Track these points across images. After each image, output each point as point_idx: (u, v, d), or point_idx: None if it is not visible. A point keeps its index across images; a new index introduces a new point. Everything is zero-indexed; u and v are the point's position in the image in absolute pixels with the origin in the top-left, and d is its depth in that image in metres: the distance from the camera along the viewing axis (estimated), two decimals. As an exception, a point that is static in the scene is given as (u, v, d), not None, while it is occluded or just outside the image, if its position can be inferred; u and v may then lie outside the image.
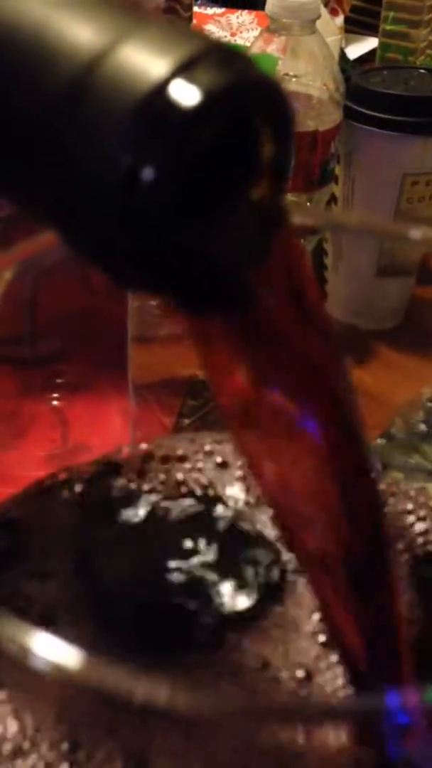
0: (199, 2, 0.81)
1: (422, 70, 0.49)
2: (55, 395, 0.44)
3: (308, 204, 0.45)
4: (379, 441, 0.32)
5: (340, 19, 0.86)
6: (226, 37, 0.77)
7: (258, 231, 0.10)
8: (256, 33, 0.80)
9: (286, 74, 0.47)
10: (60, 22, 0.09)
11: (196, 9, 0.74)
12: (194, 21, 0.61)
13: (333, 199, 0.49)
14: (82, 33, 0.08)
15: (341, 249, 0.26)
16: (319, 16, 0.45)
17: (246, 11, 0.79)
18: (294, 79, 0.47)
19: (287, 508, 0.12)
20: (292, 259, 0.11)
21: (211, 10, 0.78)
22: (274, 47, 0.49)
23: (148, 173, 0.09)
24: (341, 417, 0.11)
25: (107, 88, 0.09)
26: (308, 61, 0.48)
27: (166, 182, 0.09)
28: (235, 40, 0.78)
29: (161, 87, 0.09)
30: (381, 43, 0.75)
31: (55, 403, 0.44)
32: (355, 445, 0.11)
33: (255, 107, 0.10)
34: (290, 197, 0.46)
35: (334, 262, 0.34)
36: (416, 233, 0.17)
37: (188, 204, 0.09)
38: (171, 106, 0.09)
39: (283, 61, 0.48)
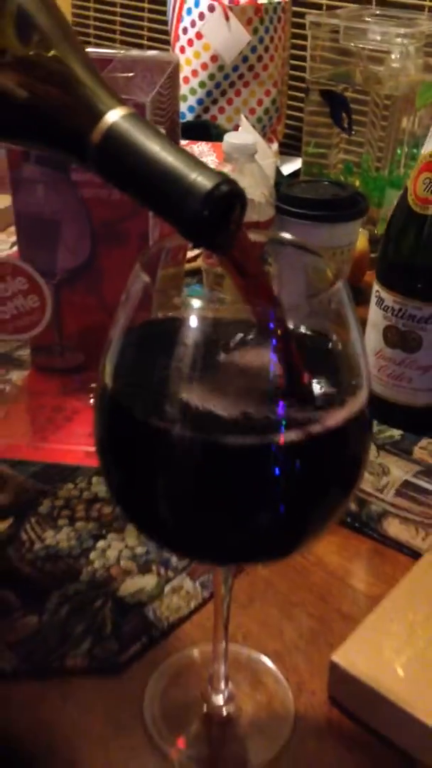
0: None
1: (326, 182, 0.73)
2: (91, 395, 0.64)
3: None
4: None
5: (275, 146, 1.12)
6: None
7: (233, 231, 0.30)
8: (212, 157, 1.05)
9: (237, 187, 0.70)
10: (179, 160, 0.28)
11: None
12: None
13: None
14: (187, 167, 0.28)
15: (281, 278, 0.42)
16: (255, 152, 0.69)
17: (204, 142, 1.03)
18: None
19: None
20: (244, 241, 0.30)
21: (177, 141, 1.02)
22: (227, 169, 0.72)
23: (207, 213, 0.28)
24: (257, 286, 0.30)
25: (196, 188, 0.28)
26: (251, 178, 0.71)
27: (212, 214, 0.28)
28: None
29: (213, 188, 0.28)
30: (305, 162, 0.99)
31: (92, 401, 0.63)
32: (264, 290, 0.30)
33: (236, 196, 0.30)
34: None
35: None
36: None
37: (217, 219, 0.29)
38: (214, 194, 0.28)
39: (234, 178, 0.71)
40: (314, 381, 0.28)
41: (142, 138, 0.27)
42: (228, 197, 0.27)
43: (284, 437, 0.26)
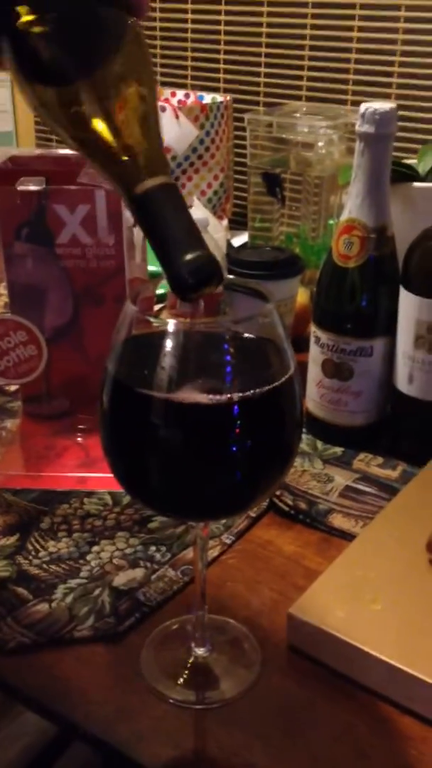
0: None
1: (268, 248, 0.86)
2: (80, 435, 0.74)
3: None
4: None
5: (225, 222, 1.27)
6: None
7: (203, 294, 0.41)
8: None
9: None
10: (185, 236, 0.36)
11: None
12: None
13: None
14: (189, 243, 0.36)
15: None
16: (207, 225, 0.82)
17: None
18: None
19: None
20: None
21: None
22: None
23: (191, 282, 0.38)
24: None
25: (189, 263, 0.37)
26: (205, 247, 0.84)
27: (195, 282, 0.39)
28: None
29: (200, 267, 0.37)
30: (251, 235, 1.14)
31: (79, 439, 0.74)
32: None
33: (215, 275, 0.39)
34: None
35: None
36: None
37: (197, 286, 0.39)
38: (199, 272, 0.36)
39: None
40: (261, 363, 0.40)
41: (167, 207, 0.36)
42: (209, 275, 0.37)
43: (236, 397, 0.38)
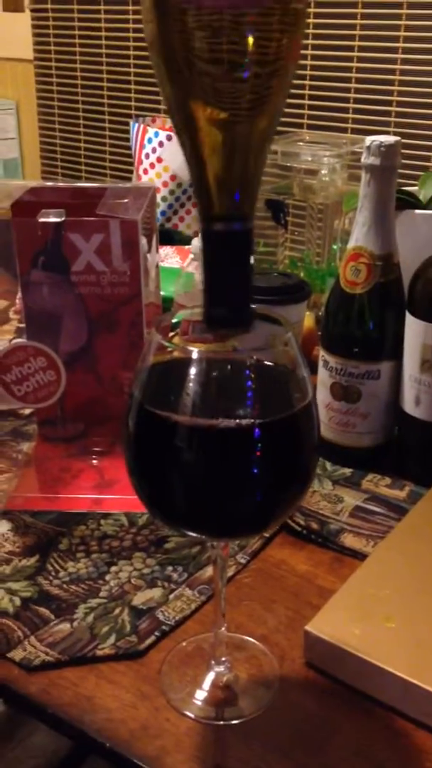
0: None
1: (275, 274, 0.88)
2: (95, 457, 0.76)
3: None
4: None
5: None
6: (161, 261, 1.17)
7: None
8: (176, 259, 1.21)
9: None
10: (226, 287, 0.39)
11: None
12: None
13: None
14: (234, 293, 0.40)
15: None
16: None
17: (168, 246, 1.20)
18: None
19: None
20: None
21: (145, 247, 1.19)
22: (191, 269, 0.88)
23: (218, 327, 0.41)
24: None
25: (225, 313, 0.40)
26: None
27: (224, 328, 0.42)
28: (164, 262, 1.19)
29: (234, 314, 0.40)
30: (256, 259, 1.16)
31: (94, 461, 0.76)
32: None
33: (244, 322, 0.41)
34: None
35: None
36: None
37: (225, 328, 0.42)
38: (232, 320, 0.41)
39: (197, 275, 0.86)
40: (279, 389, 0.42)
41: (228, 254, 0.38)
42: (234, 328, 0.41)
43: (258, 422, 0.40)
